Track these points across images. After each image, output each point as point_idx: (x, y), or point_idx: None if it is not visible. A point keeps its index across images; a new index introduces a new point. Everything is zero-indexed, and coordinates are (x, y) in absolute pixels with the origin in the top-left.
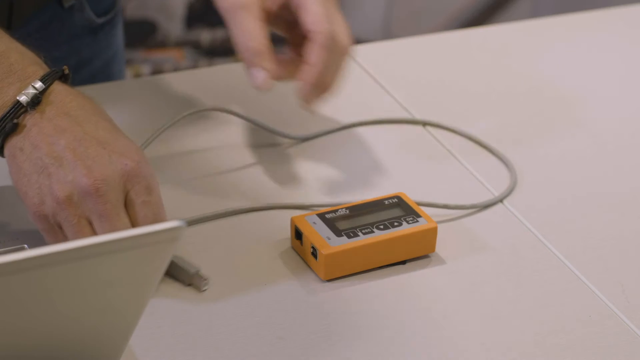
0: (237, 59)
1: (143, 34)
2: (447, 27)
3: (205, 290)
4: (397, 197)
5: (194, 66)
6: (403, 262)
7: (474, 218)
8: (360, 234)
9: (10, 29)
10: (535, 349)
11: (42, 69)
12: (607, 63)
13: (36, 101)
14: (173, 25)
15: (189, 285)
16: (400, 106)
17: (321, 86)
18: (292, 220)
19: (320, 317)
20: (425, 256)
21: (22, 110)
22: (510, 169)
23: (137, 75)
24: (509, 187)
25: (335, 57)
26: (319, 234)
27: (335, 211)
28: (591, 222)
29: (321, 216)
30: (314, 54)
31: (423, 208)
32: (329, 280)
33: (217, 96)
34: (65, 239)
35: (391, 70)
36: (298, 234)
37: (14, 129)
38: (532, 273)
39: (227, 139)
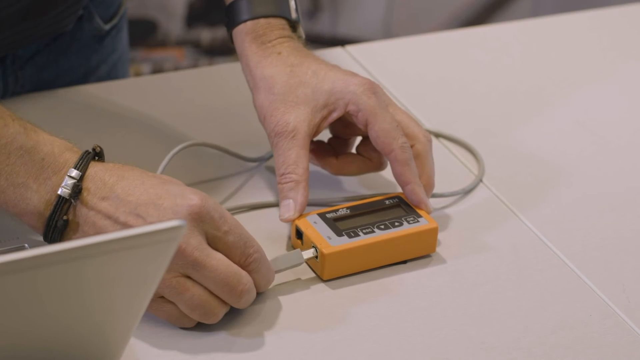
0: (234, 59)
1: (143, 33)
2: (447, 27)
3: None
4: (398, 197)
5: (195, 65)
6: (404, 262)
7: (475, 217)
8: (361, 233)
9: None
10: (536, 348)
11: (74, 153)
12: (607, 62)
13: (77, 190)
14: (173, 24)
15: None
16: (400, 105)
17: (427, 188)
18: (292, 220)
19: (320, 316)
20: (426, 255)
21: (67, 204)
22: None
23: (138, 75)
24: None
25: (412, 164)
26: (319, 233)
27: (336, 211)
28: (592, 222)
29: (322, 216)
30: (402, 173)
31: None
32: (329, 280)
33: (217, 95)
34: (174, 305)
35: (391, 69)
36: (299, 234)
37: (66, 225)
38: (533, 273)
39: (227, 135)
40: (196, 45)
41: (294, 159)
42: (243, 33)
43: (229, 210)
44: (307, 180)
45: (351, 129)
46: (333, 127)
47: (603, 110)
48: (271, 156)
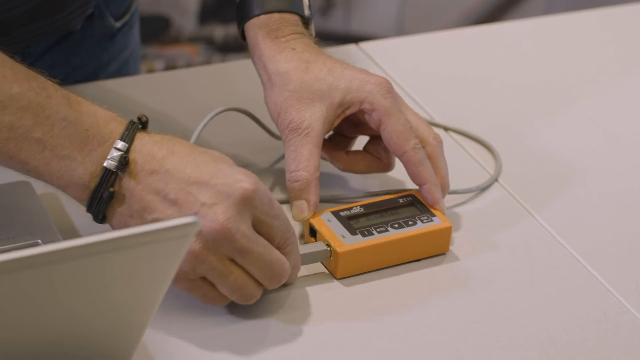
0: (247, 55)
1: (156, 30)
2: (459, 24)
3: None
4: (412, 195)
5: (208, 62)
6: (417, 260)
7: (488, 215)
8: (374, 232)
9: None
10: (549, 346)
11: (120, 124)
12: (620, 60)
13: (124, 162)
14: (186, 21)
15: None
16: (414, 102)
17: (443, 188)
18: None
19: (334, 314)
20: (440, 254)
21: (113, 176)
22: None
23: (151, 71)
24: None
25: (426, 163)
26: (333, 231)
27: (349, 209)
28: (605, 220)
29: (336, 214)
30: (417, 174)
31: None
32: (343, 278)
33: (230, 92)
34: (214, 288)
35: (404, 66)
36: (312, 232)
37: (112, 197)
38: (546, 270)
39: (241, 134)
40: (209, 42)
41: (307, 156)
42: (256, 27)
43: None
44: (318, 179)
45: (360, 128)
46: (340, 124)
47: (617, 108)
48: None
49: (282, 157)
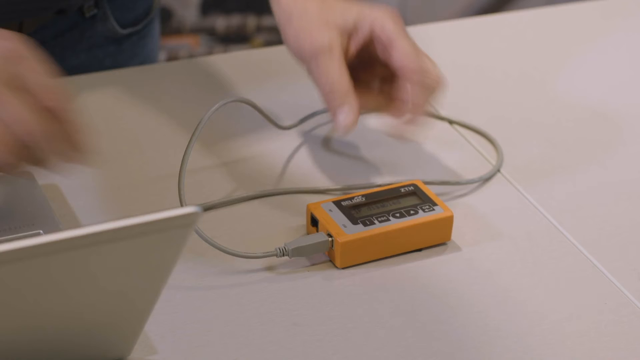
0: (252, 46)
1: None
2: (462, 15)
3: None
4: (413, 185)
5: (209, 53)
6: (419, 250)
7: (489, 204)
8: (376, 222)
9: (21, 31)
10: (551, 336)
11: None
12: (623, 50)
13: None
14: (188, 11)
15: None
16: None
17: (414, 121)
18: (307, 208)
19: (335, 304)
20: (441, 243)
21: None
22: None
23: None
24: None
25: (427, 92)
26: (334, 221)
27: (351, 198)
28: (607, 209)
29: (337, 203)
30: (406, 91)
31: (436, 188)
32: (344, 268)
33: (232, 83)
34: None
35: None
36: (314, 221)
37: None
38: (548, 260)
39: (241, 125)
40: (211, 33)
41: (339, 72)
42: None
43: (241, 198)
44: (354, 91)
45: (372, 68)
46: (353, 62)
47: (619, 97)
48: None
49: (286, 148)
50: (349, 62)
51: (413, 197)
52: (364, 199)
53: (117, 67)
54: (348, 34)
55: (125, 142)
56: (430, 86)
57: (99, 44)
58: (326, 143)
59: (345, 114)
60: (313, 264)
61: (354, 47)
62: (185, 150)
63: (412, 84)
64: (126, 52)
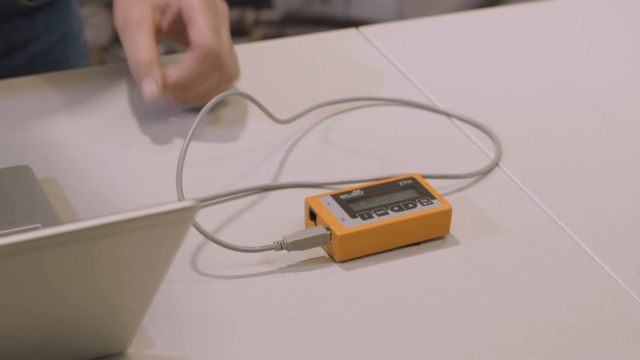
0: (250, 40)
1: None
2: (460, 8)
3: None
4: (412, 178)
5: None
6: (417, 243)
7: (488, 198)
8: (374, 215)
9: None
10: (549, 329)
11: None
12: (622, 43)
13: None
14: None
15: None
16: (414, 86)
17: (182, 90)
18: (306, 201)
19: (333, 297)
20: (440, 237)
21: None
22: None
23: None
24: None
25: (209, 73)
26: (333, 215)
27: (349, 192)
28: (606, 204)
29: (335, 197)
30: (187, 60)
31: (435, 182)
32: (343, 262)
33: None
34: None
35: (405, 50)
36: (312, 215)
37: None
38: (547, 254)
39: (240, 119)
40: None
41: (144, 44)
42: None
43: (240, 192)
44: (159, 64)
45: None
46: (171, 35)
47: (617, 91)
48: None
49: (285, 142)
50: (165, 36)
51: (411, 191)
52: (362, 193)
53: (32, 41)
54: (161, 10)
55: (124, 136)
56: (214, 68)
57: (5, 18)
58: (324, 137)
59: (149, 84)
60: (311, 258)
61: (166, 22)
62: (184, 144)
63: (194, 57)
64: (38, 24)
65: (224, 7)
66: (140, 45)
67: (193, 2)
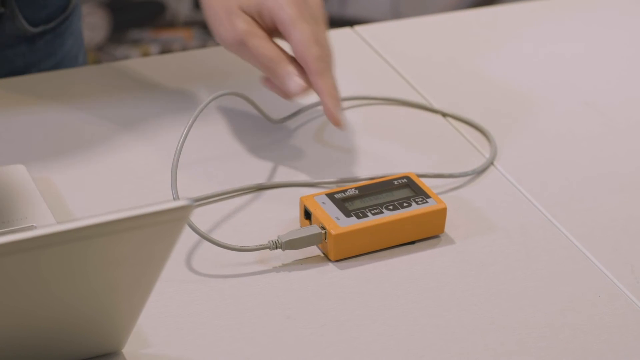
0: None
1: (151, 14)
2: (456, 7)
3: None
4: (407, 177)
5: (203, 46)
6: (412, 242)
7: (483, 197)
8: (369, 214)
9: None
10: (544, 328)
11: None
12: (617, 43)
13: None
14: (182, 5)
15: None
16: (409, 85)
17: (334, 108)
18: (301, 200)
19: (328, 297)
20: (435, 236)
21: None
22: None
23: (146, 55)
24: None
25: (328, 74)
26: (328, 214)
27: (344, 191)
28: (601, 202)
29: (330, 196)
30: (315, 84)
31: (430, 181)
32: (337, 261)
33: (225, 76)
34: None
35: (400, 50)
36: (307, 214)
37: None
38: (541, 253)
39: (234, 118)
40: (204, 26)
41: (270, 46)
42: None
43: (234, 191)
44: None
45: None
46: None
47: (613, 90)
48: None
49: (280, 141)
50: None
51: (406, 190)
52: (357, 192)
53: (32, 67)
54: (256, 20)
55: (119, 135)
56: (329, 68)
57: (9, 44)
58: (319, 136)
59: (295, 79)
60: (306, 257)
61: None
62: (178, 144)
63: (316, 75)
64: (40, 51)
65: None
66: (267, 48)
67: (284, 14)
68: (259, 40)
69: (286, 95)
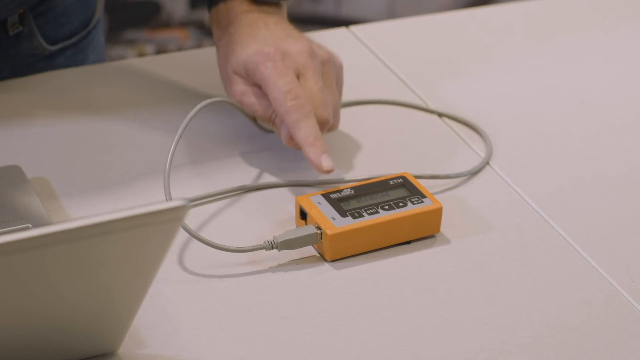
0: None
1: (147, 14)
2: (451, 7)
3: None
4: (402, 177)
5: (198, 46)
6: (408, 242)
7: (479, 197)
8: (365, 214)
9: None
10: (540, 328)
11: None
12: (611, 43)
13: None
14: (177, 5)
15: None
16: (405, 85)
17: (322, 138)
18: (296, 200)
19: (324, 297)
20: (430, 236)
21: None
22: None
23: (141, 55)
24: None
25: (308, 121)
26: (323, 214)
27: (340, 191)
28: (596, 202)
29: (326, 196)
30: (294, 136)
31: (426, 182)
32: (333, 261)
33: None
34: None
35: (395, 49)
36: (303, 214)
37: None
38: (537, 253)
39: (230, 119)
40: (200, 26)
41: (262, 101)
42: (213, 22)
43: (230, 191)
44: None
45: None
46: None
47: (607, 90)
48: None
49: (275, 142)
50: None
51: (402, 190)
52: (352, 192)
53: None
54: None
55: (114, 135)
56: (306, 116)
57: (27, 63)
58: None
59: (329, 160)
60: (302, 257)
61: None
62: (173, 144)
63: (291, 128)
64: (59, 68)
65: (306, 55)
66: (257, 103)
67: (260, 76)
68: (253, 99)
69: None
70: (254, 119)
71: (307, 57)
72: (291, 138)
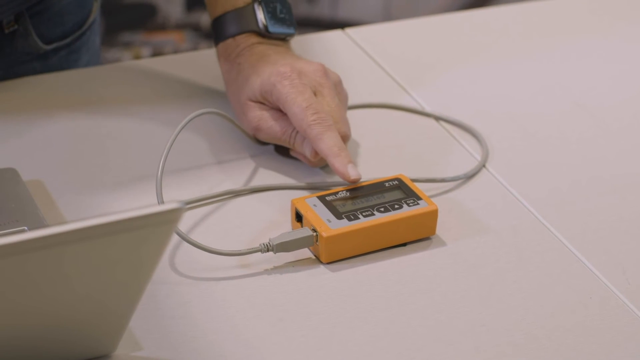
0: None
1: (143, 17)
2: (447, 9)
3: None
4: (398, 179)
5: (194, 49)
6: (404, 244)
7: (475, 199)
8: (360, 216)
9: None
10: (536, 330)
11: None
12: (608, 45)
13: None
14: (173, 7)
15: None
16: (400, 87)
17: (345, 149)
18: (292, 203)
19: (320, 299)
20: (426, 238)
21: None
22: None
23: (137, 58)
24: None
25: (330, 134)
26: (319, 216)
27: (335, 193)
28: (592, 204)
29: (321, 198)
30: (318, 149)
31: (422, 185)
32: (329, 263)
33: (217, 79)
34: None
35: (391, 52)
36: (298, 217)
37: None
38: (533, 255)
39: (224, 123)
40: (196, 29)
41: (282, 123)
42: (220, 55)
43: (226, 193)
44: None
45: None
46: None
47: (603, 92)
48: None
49: (270, 144)
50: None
51: (397, 192)
52: (348, 194)
53: None
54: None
55: (110, 138)
56: (327, 129)
57: (20, 61)
58: None
59: (355, 169)
60: (298, 259)
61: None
62: (168, 144)
63: (314, 143)
64: (53, 67)
65: (321, 75)
66: (277, 125)
67: (277, 91)
68: (271, 122)
69: (307, 161)
70: (241, 128)
71: (322, 75)
72: (316, 154)
